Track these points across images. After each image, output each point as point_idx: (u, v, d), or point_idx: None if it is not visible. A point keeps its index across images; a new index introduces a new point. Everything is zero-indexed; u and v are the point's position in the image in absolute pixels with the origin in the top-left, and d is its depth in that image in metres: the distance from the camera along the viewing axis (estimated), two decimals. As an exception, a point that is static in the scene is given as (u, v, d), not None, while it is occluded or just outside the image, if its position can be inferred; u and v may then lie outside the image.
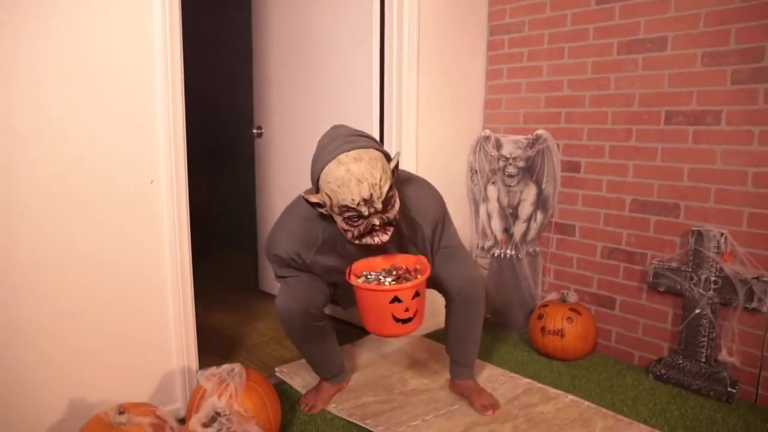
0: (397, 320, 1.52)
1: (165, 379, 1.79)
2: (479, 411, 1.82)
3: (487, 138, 2.52)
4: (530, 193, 2.44)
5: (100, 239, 1.61)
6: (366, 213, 1.45)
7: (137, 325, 1.72)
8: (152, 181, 1.69)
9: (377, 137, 2.38)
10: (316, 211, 1.59)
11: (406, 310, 1.51)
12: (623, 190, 2.23)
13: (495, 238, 2.56)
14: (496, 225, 2.54)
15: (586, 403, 1.89)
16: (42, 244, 1.51)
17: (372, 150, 1.47)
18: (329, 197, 1.47)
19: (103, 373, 1.65)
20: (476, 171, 2.57)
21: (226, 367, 1.59)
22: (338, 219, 1.51)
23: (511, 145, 2.45)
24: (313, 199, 1.52)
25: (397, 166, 1.55)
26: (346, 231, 1.51)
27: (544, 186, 2.41)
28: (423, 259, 1.64)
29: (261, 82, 2.86)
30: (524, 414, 1.82)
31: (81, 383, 1.62)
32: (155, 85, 1.65)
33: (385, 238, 1.51)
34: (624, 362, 2.26)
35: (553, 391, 1.97)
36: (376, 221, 1.46)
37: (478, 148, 2.56)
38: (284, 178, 2.80)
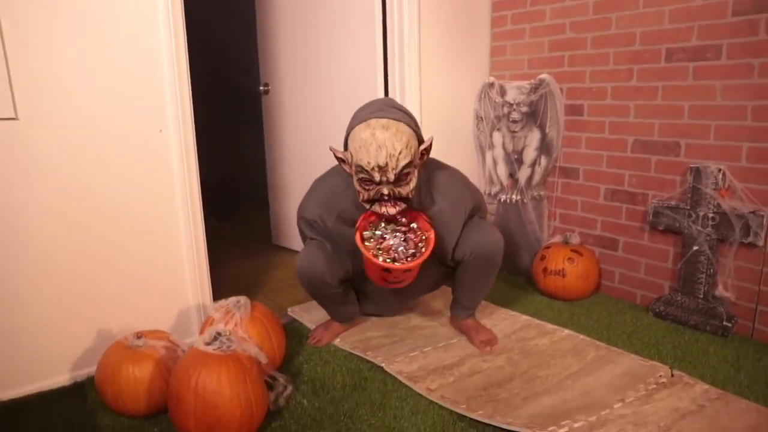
0: (388, 281, 1.69)
1: (182, 315, 1.96)
2: (478, 346, 1.90)
3: (491, 85, 2.54)
4: (534, 138, 2.46)
5: (114, 189, 1.76)
6: (377, 179, 1.53)
7: (154, 268, 1.87)
8: (161, 130, 1.82)
9: (382, 89, 2.45)
10: (344, 184, 1.72)
11: (396, 280, 1.67)
12: (625, 131, 2.23)
13: (501, 183, 2.61)
14: (502, 171, 2.59)
15: (581, 336, 1.96)
16: (59, 196, 1.66)
17: (403, 124, 1.55)
18: (351, 155, 1.57)
19: (125, 312, 1.83)
20: (481, 118, 2.61)
21: (233, 299, 1.72)
22: (355, 178, 1.60)
23: (515, 91, 2.46)
24: (339, 153, 1.63)
25: (428, 150, 1.62)
26: (358, 193, 1.61)
27: (547, 130, 2.43)
28: (432, 235, 1.66)
29: (266, 39, 2.93)
30: (519, 346, 1.90)
31: (107, 320, 1.80)
32: (159, 36, 1.76)
33: (392, 211, 1.59)
34: (626, 302, 2.31)
35: (550, 326, 2.05)
36: (385, 191, 1.54)
37: (482, 96, 2.58)
38: (293, 136, 2.89)
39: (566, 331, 2.00)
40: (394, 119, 1.53)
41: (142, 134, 1.78)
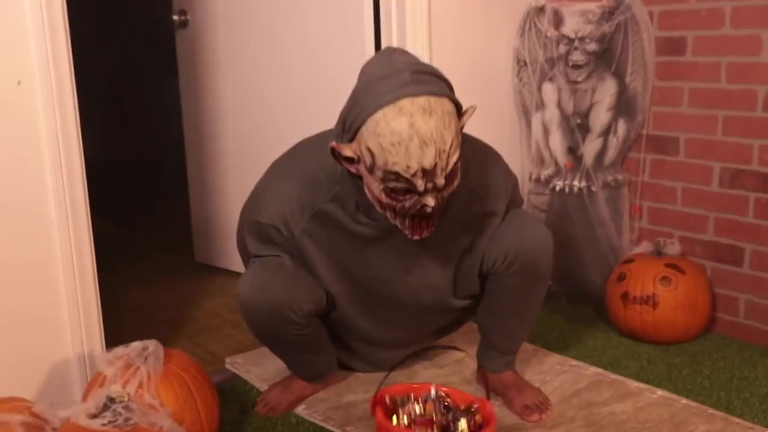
0: None
1: (56, 372, 1.92)
2: (520, 414, 1.89)
3: (541, 9, 2.55)
4: (607, 91, 2.48)
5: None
6: (422, 188, 1.50)
7: (12, 296, 1.82)
8: (20, 82, 1.77)
9: (370, 17, 2.44)
10: (323, 174, 1.72)
11: None
12: (754, 77, 2.23)
13: (555, 163, 2.61)
14: (557, 143, 2.59)
15: (684, 400, 1.95)
16: None
17: (446, 100, 1.53)
18: (372, 155, 1.51)
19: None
20: (525, 62, 2.61)
21: (136, 344, 1.69)
22: (375, 186, 1.57)
23: (578, 19, 2.46)
24: (348, 152, 1.56)
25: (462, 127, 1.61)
26: (383, 206, 1.59)
27: (628, 79, 2.45)
28: (486, 402, 1.69)
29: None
30: (585, 415, 1.89)
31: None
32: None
33: (427, 234, 1.62)
34: (758, 346, 2.31)
35: (634, 384, 2.04)
36: (431, 201, 1.52)
37: (527, 27, 2.59)
38: (230, 98, 2.85)
39: (659, 393, 2.00)
40: (433, 94, 1.51)
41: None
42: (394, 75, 1.51)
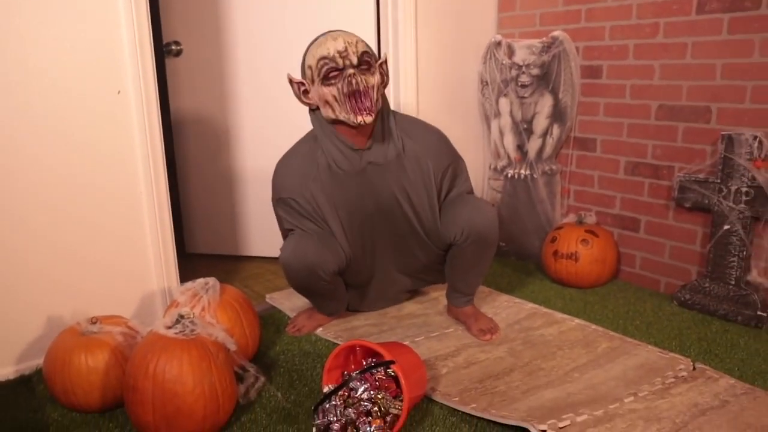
0: None
1: (145, 300, 1.97)
2: (476, 335, 1.93)
3: (498, 44, 2.53)
4: (546, 104, 2.46)
5: (66, 157, 1.76)
6: (341, 64, 1.69)
7: (113, 247, 1.88)
8: (119, 92, 1.82)
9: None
10: (308, 146, 1.84)
11: None
12: (648, 95, 2.23)
13: (508, 157, 2.61)
14: (509, 142, 2.59)
15: (594, 326, 1.97)
16: (11, 166, 1.67)
17: (353, 34, 1.74)
18: (310, 67, 1.73)
19: (80, 297, 1.84)
20: (487, 82, 2.60)
21: (200, 281, 1.73)
22: (320, 90, 1.72)
23: (525, 51, 2.46)
24: (297, 79, 1.77)
25: (386, 70, 1.80)
26: (329, 103, 1.72)
27: (561, 95, 2.43)
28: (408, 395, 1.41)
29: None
30: (523, 336, 1.92)
31: (58, 306, 1.81)
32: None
33: (369, 119, 1.69)
34: (648, 289, 2.32)
35: (559, 315, 2.06)
36: (351, 71, 1.68)
37: (488, 57, 2.58)
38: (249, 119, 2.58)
39: (576, 321, 2.01)
40: (344, 32, 1.75)
41: (99, 96, 1.78)
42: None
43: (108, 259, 1.88)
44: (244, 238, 2.76)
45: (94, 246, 1.85)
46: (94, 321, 1.61)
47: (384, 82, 1.79)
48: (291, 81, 1.79)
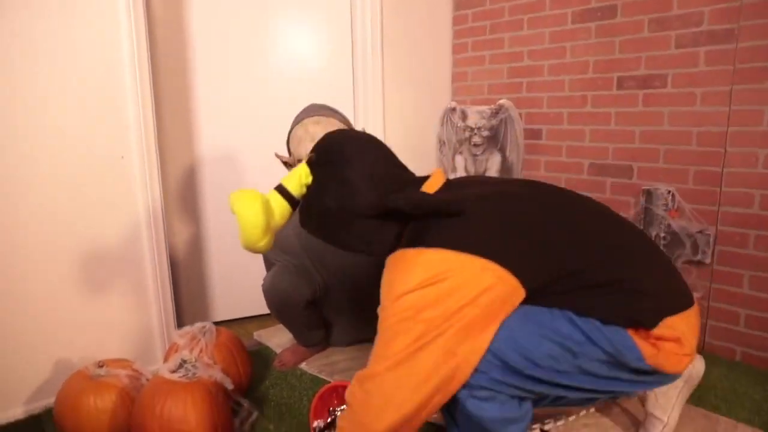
0: None
1: (145, 343, 1.96)
2: None
3: (453, 110, 2.64)
4: (495, 161, 2.56)
5: (76, 212, 1.76)
6: None
7: (117, 293, 1.87)
8: (123, 157, 1.83)
9: (351, 115, 2.52)
10: None
11: None
12: (581, 155, 2.35)
13: (464, 206, 2.68)
14: (464, 194, 2.66)
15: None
16: (31, 217, 1.67)
17: (333, 119, 1.70)
18: (293, 156, 1.72)
19: (86, 341, 1.82)
20: (444, 142, 2.69)
21: (198, 325, 1.74)
22: None
23: (476, 116, 2.56)
24: (284, 158, 1.78)
25: None
26: None
27: (508, 154, 2.53)
28: None
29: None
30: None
31: (66, 350, 1.78)
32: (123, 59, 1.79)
33: None
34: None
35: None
36: None
37: (445, 120, 2.68)
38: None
39: None
40: (324, 116, 1.71)
41: (106, 158, 1.80)
42: (304, 112, 1.75)
43: (113, 305, 1.87)
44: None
45: (100, 293, 1.83)
46: (101, 365, 1.60)
47: None
48: (278, 158, 1.79)
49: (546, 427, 1.51)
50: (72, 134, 1.72)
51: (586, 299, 1.09)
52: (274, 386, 1.86)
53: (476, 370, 1.06)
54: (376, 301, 2.00)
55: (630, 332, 1.10)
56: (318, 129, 1.67)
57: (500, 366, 1.07)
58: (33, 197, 1.68)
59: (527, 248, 1.08)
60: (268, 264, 1.96)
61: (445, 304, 1.02)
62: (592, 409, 1.61)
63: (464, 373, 1.05)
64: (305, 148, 1.68)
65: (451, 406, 1.15)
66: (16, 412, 1.70)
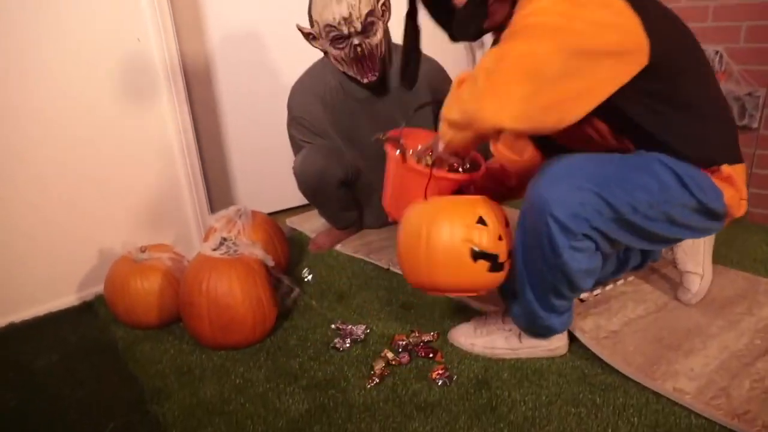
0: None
1: (181, 230, 1.98)
2: None
3: None
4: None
5: (104, 102, 1.71)
6: (346, 31, 1.61)
7: (151, 183, 1.87)
8: (139, 39, 1.74)
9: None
10: (318, 66, 1.81)
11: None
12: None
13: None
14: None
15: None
16: (55, 112, 1.63)
17: None
18: (317, 23, 1.65)
19: (126, 230, 1.85)
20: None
21: (233, 208, 1.72)
22: (328, 47, 1.68)
23: None
24: (306, 29, 1.70)
25: (388, 5, 1.69)
26: (338, 60, 1.69)
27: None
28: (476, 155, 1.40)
29: None
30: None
31: (108, 240, 1.81)
32: None
33: (374, 77, 1.68)
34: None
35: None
36: (356, 41, 1.63)
37: None
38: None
39: None
40: None
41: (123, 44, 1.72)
42: None
43: (148, 194, 1.87)
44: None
45: (135, 183, 1.83)
46: (143, 250, 1.62)
47: (386, 19, 1.72)
48: (301, 30, 1.73)
49: (582, 296, 1.51)
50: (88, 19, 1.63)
51: (674, 126, 1.08)
52: (311, 267, 1.88)
53: (579, 216, 1.04)
54: None
55: (707, 173, 1.10)
56: None
57: (602, 210, 1.05)
58: (61, 82, 1.62)
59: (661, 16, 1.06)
60: (296, 148, 1.92)
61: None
62: (631, 278, 1.60)
63: (571, 110, 1.01)
64: (331, 11, 1.60)
65: (516, 278, 1.19)
66: (71, 299, 1.76)
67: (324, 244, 2.02)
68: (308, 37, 1.73)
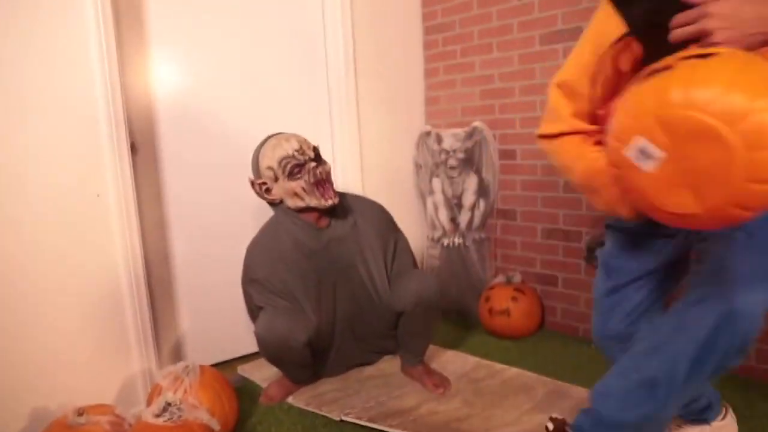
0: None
1: (128, 383, 1.88)
2: (431, 390, 1.93)
3: (428, 133, 2.65)
4: (472, 182, 2.57)
5: (48, 247, 1.70)
6: (302, 160, 1.77)
7: (95, 332, 1.80)
8: (99, 195, 1.78)
9: (329, 140, 2.51)
10: (275, 224, 1.87)
11: None
12: (555, 173, 2.36)
13: (443, 228, 2.67)
14: (443, 215, 2.66)
15: (529, 373, 2.02)
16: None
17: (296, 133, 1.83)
18: (271, 168, 1.77)
19: (63, 387, 1.73)
20: (420, 166, 2.70)
21: (181, 364, 1.67)
22: (286, 184, 1.77)
23: (451, 139, 2.58)
24: (259, 180, 1.80)
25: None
26: (297, 193, 1.77)
27: (484, 175, 2.55)
28: None
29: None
30: (472, 388, 1.94)
31: (42, 397, 1.69)
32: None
33: (336, 200, 1.79)
34: (569, 336, 2.39)
35: (498, 366, 2.10)
36: (313, 164, 1.76)
37: (420, 144, 2.68)
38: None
39: (514, 369, 2.05)
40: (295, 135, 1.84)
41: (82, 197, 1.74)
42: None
43: (91, 345, 1.79)
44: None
45: (77, 333, 1.76)
46: (80, 413, 1.51)
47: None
48: (252, 183, 1.83)
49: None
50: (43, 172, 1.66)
51: None
52: (261, 423, 1.80)
53: None
54: (376, 328, 1.97)
55: None
56: (289, 136, 1.81)
57: None
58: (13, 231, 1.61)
59: None
60: (252, 307, 1.91)
61: None
62: None
63: None
64: (283, 148, 1.76)
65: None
66: (-9, 467, 1.60)
67: (275, 396, 1.95)
68: (261, 188, 1.81)
